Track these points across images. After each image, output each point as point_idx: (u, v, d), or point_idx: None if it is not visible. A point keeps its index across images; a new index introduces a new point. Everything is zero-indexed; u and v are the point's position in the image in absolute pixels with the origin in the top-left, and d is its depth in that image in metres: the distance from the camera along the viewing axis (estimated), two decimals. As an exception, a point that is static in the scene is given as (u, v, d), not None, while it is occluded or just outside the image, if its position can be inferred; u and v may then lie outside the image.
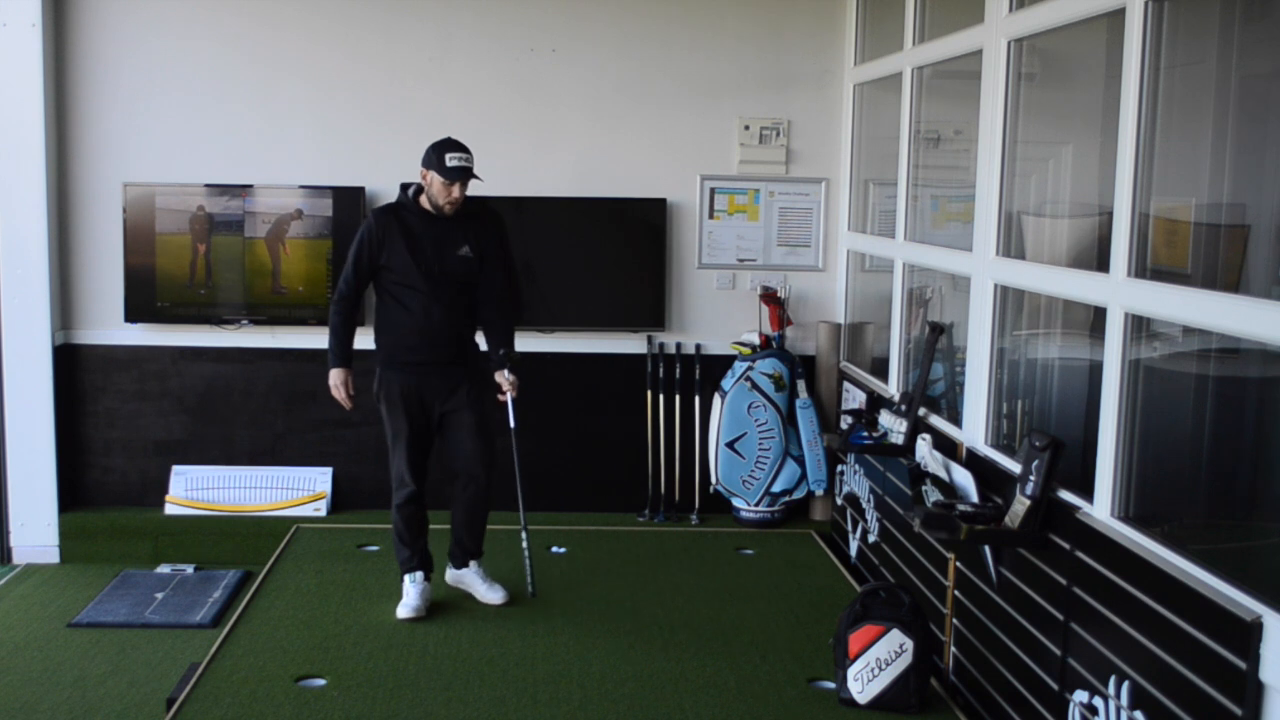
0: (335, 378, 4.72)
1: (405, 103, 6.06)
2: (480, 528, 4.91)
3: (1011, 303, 4.30)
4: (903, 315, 5.25)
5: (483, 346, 4.92)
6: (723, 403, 6.07)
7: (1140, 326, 3.36)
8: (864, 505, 5.46)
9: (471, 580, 4.94)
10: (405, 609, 4.76)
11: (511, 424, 4.84)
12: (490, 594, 4.89)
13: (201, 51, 5.99)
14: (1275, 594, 2.66)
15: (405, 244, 4.59)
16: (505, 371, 4.81)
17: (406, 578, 4.81)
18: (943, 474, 4.31)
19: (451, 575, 5.01)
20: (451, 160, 4.51)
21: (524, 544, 4.89)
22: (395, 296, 4.64)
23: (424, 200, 4.64)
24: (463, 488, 4.83)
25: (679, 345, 6.25)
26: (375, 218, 4.68)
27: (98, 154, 5.98)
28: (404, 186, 4.72)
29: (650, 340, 6.23)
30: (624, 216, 6.15)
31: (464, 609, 4.86)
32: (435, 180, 4.55)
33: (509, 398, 4.82)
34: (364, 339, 4.80)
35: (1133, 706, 3.12)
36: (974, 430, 4.31)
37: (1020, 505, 3.64)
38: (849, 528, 5.72)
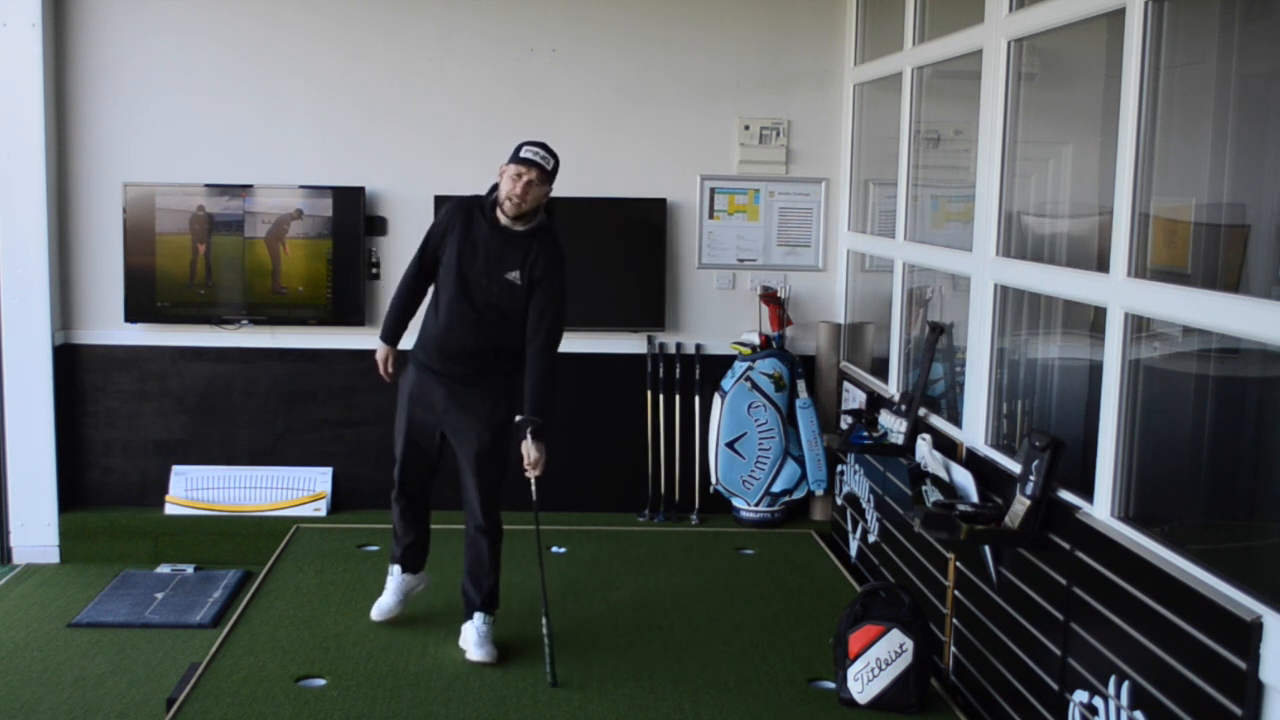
0: (378, 353, 4.62)
1: (405, 103, 6.06)
2: (484, 579, 4.44)
3: (1011, 302, 4.30)
4: (903, 315, 5.25)
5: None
6: (723, 403, 6.07)
7: (1140, 326, 3.36)
8: (864, 505, 5.46)
9: (466, 636, 4.46)
10: (376, 610, 4.66)
11: (533, 495, 4.36)
12: (477, 651, 4.39)
13: (201, 51, 5.99)
14: (1275, 594, 2.67)
15: (460, 243, 4.31)
16: (527, 440, 4.28)
17: (389, 568, 4.74)
18: (943, 474, 4.31)
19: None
20: (525, 152, 4.22)
21: (545, 629, 4.31)
22: (436, 296, 4.44)
23: (499, 209, 4.30)
24: (468, 531, 4.49)
25: (679, 345, 6.25)
26: (451, 207, 4.45)
27: (98, 154, 5.98)
28: (493, 187, 4.37)
29: (650, 340, 6.23)
30: (624, 216, 6.15)
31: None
32: (507, 171, 4.22)
33: (531, 476, 4.31)
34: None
35: (1133, 706, 3.12)
36: (974, 430, 4.31)
37: (1020, 505, 3.64)
38: (849, 528, 5.72)
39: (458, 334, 4.35)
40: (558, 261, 4.34)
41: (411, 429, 4.50)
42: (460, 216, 4.36)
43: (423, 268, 4.51)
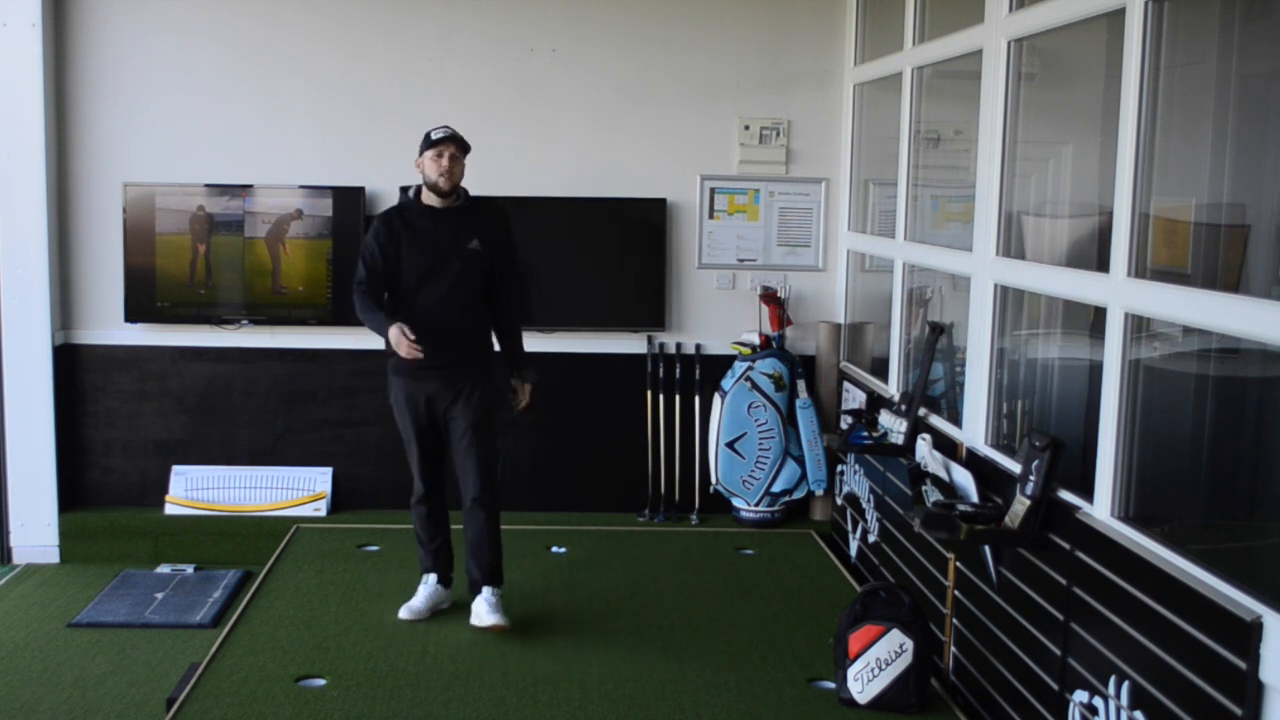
0: (394, 334, 4.34)
1: (405, 103, 6.05)
2: (487, 554, 4.62)
3: (1011, 302, 4.30)
4: (903, 315, 5.25)
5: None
6: (723, 403, 6.07)
7: (1140, 326, 3.36)
8: (864, 505, 5.46)
9: (476, 609, 4.62)
10: (406, 610, 4.75)
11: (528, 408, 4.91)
12: (490, 617, 4.56)
13: (201, 51, 5.99)
14: (1275, 594, 2.67)
15: (411, 240, 4.53)
16: (517, 381, 4.84)
17: (422, 577, 4.83)
18: (943, 474, 4.31)
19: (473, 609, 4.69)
20: (436, 133, 4.51)
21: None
22: (402, 300, 4.54)
23: (425, 196, 4.59)
24: (466, 510, 4.65)
25: (679, 345, 6.25)
26: (378, 220, 4.63)
27: (98, 154, 5.98)
28: (403, 189, 4.66)
29: (650, 340, 6.23)
30: (624, 216, 6.15)
31: (464, 610, 4.84)
32: (427, 160, 4.50)
33: (522, 405, 4.85)
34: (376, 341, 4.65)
35: (1133, 706, 3.12)
36: (974, 430, 4.31)
37: (1020, 505, 3.64)
38: (849, 528, 5.72)
39: (436, 319, 4.52)
40: (502, 218, 4.84)
41: (419, 431, 4.65)
42: (395, 220, 4.60)
43: (373, 278, 4.55)
